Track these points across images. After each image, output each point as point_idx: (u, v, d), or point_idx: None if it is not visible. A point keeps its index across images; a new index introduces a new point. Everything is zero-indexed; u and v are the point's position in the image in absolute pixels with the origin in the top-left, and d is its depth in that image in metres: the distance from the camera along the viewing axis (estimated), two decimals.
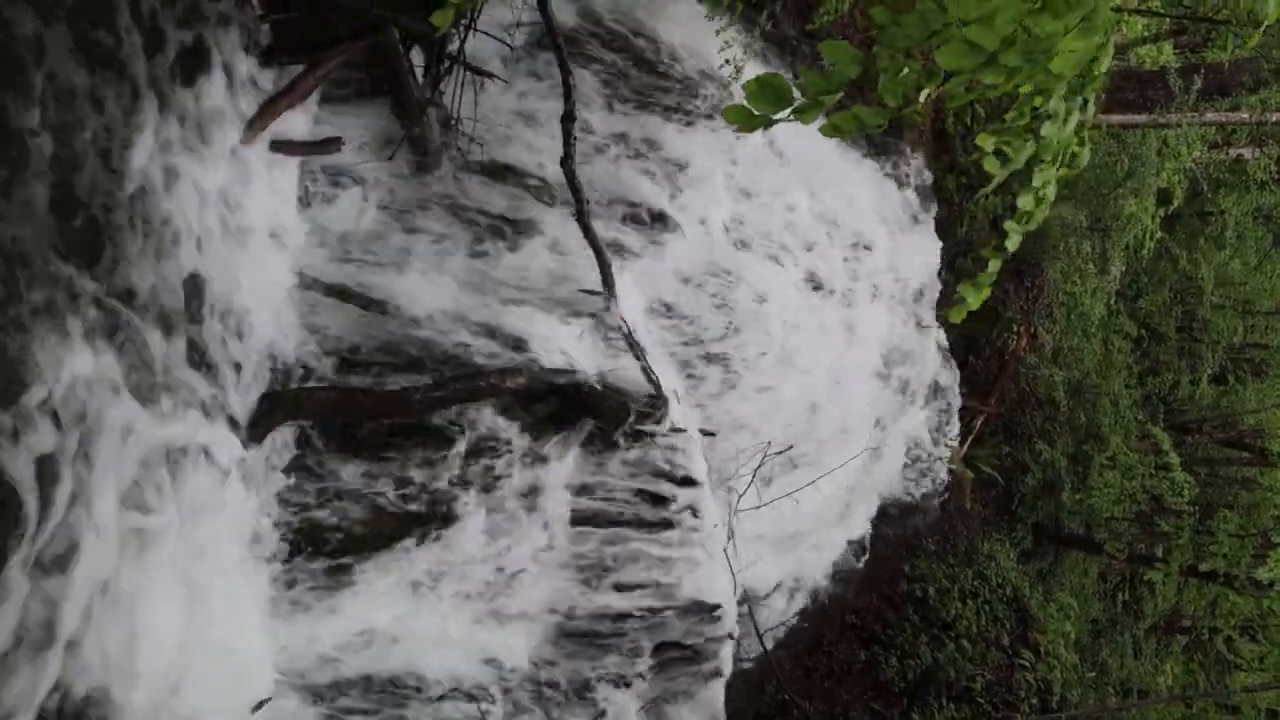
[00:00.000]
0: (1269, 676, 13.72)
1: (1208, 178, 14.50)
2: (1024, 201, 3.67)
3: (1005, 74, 2.70)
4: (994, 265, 3.82)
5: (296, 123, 4.79)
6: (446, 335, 5.21)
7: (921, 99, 2.94)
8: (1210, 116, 12.77)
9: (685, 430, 6.35)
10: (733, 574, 6.68)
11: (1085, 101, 3.56)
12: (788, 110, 2.78)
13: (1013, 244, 3.75)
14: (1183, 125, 12.66)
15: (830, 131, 3.01)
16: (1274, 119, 12.63)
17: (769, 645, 8.43)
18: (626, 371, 5.85)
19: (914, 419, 11.19)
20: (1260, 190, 15.01)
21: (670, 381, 6.30)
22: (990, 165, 3.45)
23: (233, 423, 4.34)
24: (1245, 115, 12.89)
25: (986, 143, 3.35)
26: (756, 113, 2.79)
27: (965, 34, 2.56)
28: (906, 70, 2.82)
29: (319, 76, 4.72)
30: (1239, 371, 17.67)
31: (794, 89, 2.76)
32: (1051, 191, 3.69)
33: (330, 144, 4.92)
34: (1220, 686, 13.46)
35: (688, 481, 6.34)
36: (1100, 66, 3.27)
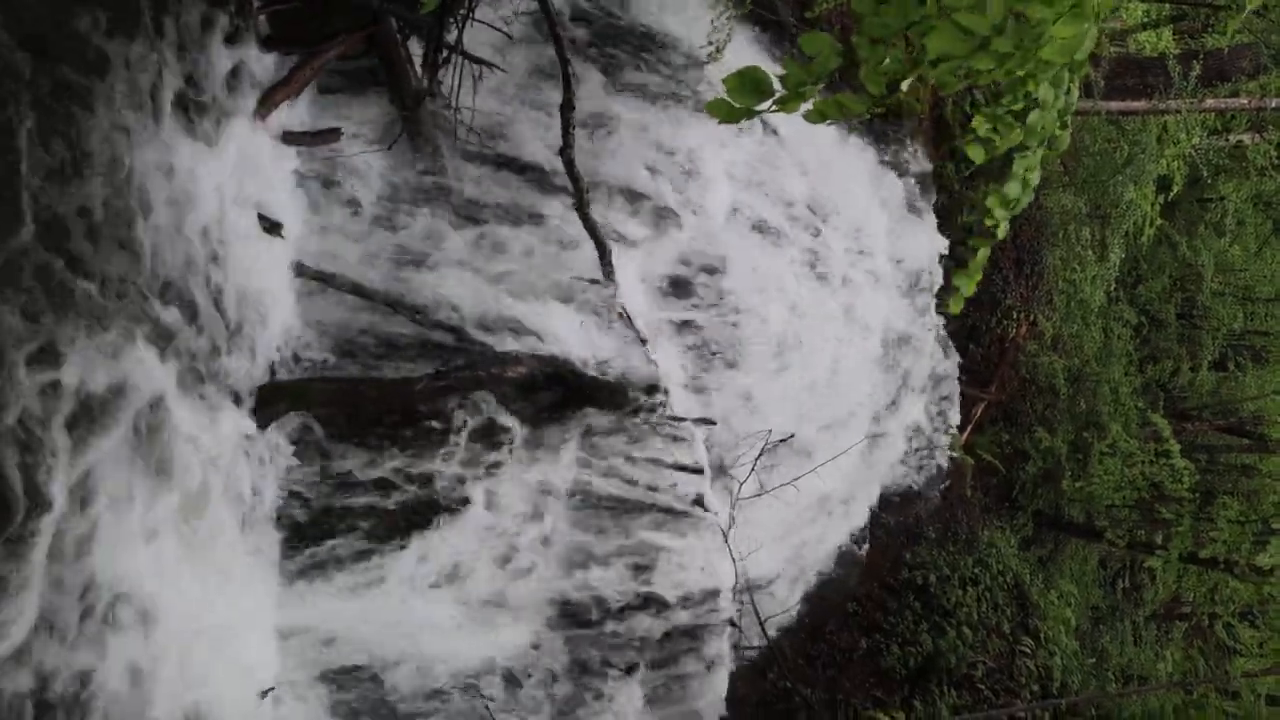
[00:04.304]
0: (1269, 662, 13.76)
1: (1207, 164, 14.49)
2: (1011, 188, 3.69)
3: (996, 60, 2.72)
4: (983, 253, 3.85)
5: (295, 113, 4.79)
6: (446, 324, 5.22)
7: (904, 86, 2.97)
8: (1210, 103, 12.74)
9: (685, 418, 6.36)
10: (734, 562, 6.69)
11: (1069, 88, 3.58)
12: (769, 102, 2.81)
13: (1001, 231, 3.77)
14: (1182, 112, 12.65)
15: (815, 118, 3.04)
16: (1273, 105, 12.60)
17: (771, 633, 8.45)
18: (627, 360, 5.86)
19: (915, 406, 11.20)
20: (1260, 176, 15.00)
21: (670, 369, 6.31)
22: (974, 152, 3.48)
23: (237, 413, 4.35)
24: (1245, 101, 12.87)
25: (981, 126, 3.37)
26: (737, 105, 2.82)
27: (957, 19, 2.58)
28: (888, 60, 2.85)
29: (317, 67, 4.72)
30: (1239, 358, 17.70)
31: (775, 80, 2.78)
32: (1036, 176, 3.72)
33: (329, 134, 4.93)
34: (1220, 672, 13.49)
35: (688, 469, 6.35)
36: (1085, 52, 3.29)
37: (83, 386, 3.31)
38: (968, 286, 3.80)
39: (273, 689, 4.73)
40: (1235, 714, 11.61)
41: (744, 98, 2.80)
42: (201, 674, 4.08)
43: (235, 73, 4.36)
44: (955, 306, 3.91)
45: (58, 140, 3.19)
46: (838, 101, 2.93)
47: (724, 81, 2.82)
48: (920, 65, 2.86)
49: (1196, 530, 14.25)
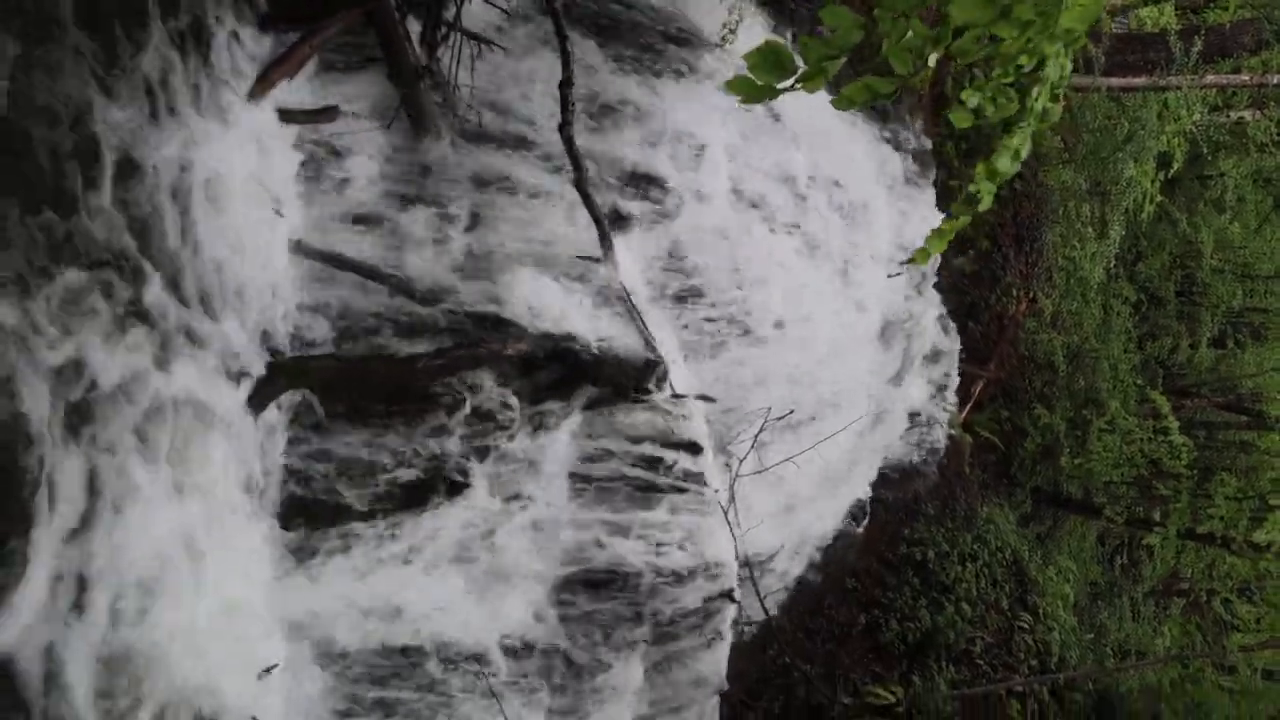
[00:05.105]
0: (1265, 637, 13.86)
1: (1208, 141, 14.45)
2: (1001, 163, 3.67)
3: (1018, 27, 2.69)
4: (963, 219, 3.83)
5: (293, 91, 4.77)
6: (446, 302, 5.22)
7: (932, 62, 2.93)
8: (1211, 79, 12.70)
9: (685, 395, 6.37)
10: (734, 538, 6.72)
11: (1063, 60, 3.57)
12: (791, 80, 2.75)
13: (985, 203, 3.75)
14: (1183, 88, 12.62)
15: (843, 104, 2.98)
16: (1275, 81, 12.57)
17: (770, 609, 8.50)
18: (626, 337, 5.87)
19: (914, 383, 11.21)
20: (1260, 153, 14.99)
21: (670, 347, 6.32)
22: (959, 118, 3.43)
23: (236, 390, 4.36)
24: (1246, 77, 12.83)
25: (971, 99, 3.33)
26: (760, 83, 2.76)
27: None
28: (911, 34, 2.80)
29: (315, 44, 4.71)
30: (1238, 335, 17.72)
31: (796, 57, 2.73)
32: (1026, 150, 3.70)
33: (328, 112, 4.91)
34: (1217, 647, 13.58)
35: (688, 447, 6.37)
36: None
37: (81, 373, 3.33)
38: (936, 245, 3.79)
39: (276, 666, 4.75)
40: (1232, 688, 11.72)
41: (766, 75, 2.73)
42: (202, 653, 4.10)
43: (233, 50, 4.35)
44: (920, 260, 3.91)
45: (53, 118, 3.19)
46: (866, 85, 2.86)
47: (745, 58, 2.75)
48: (944, 39, 2.82)
49: (1194, 507, 14.33)
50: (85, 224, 3.33)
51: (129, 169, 3.59)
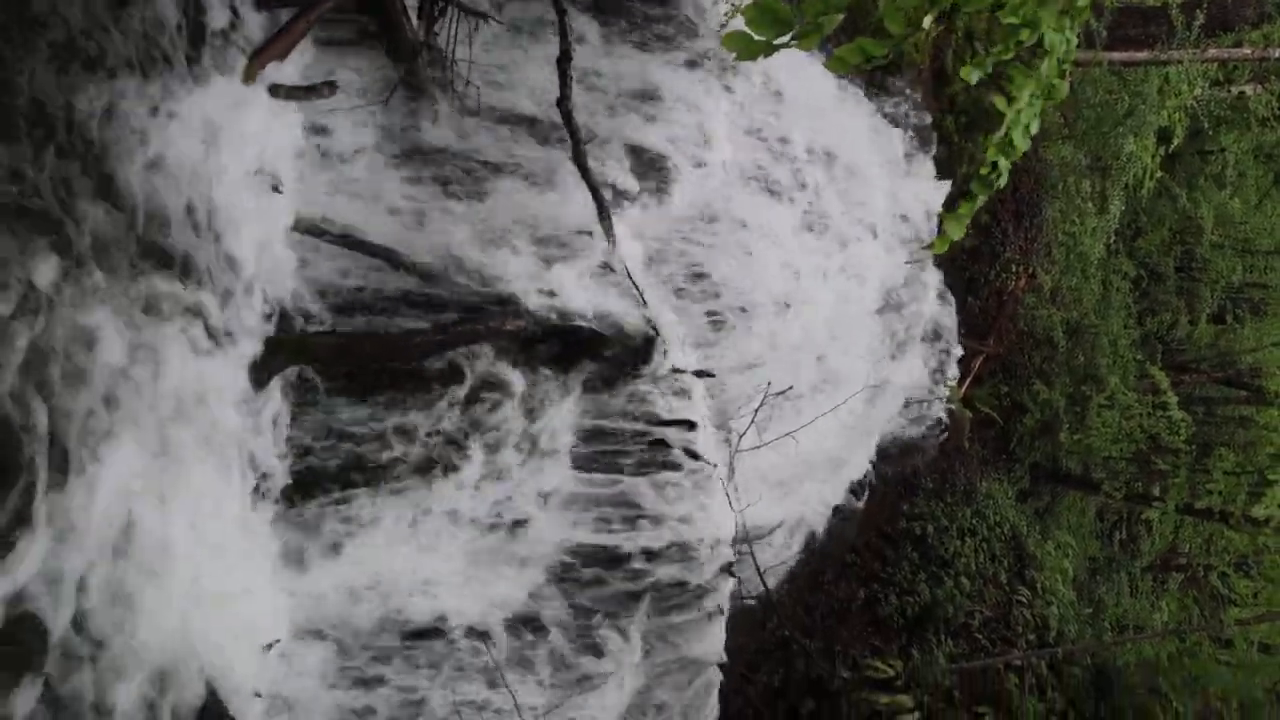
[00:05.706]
0: (1262, 610, 13.91)
1: (1209, 115, 14.38)
2: (1017, 139, 3.66)
3: None
4: (980, 199, 3.82)
5: (291, 67, 4.76)
6: (445, 278, 5.22)
7: (927, 24, 2.90)
8: (1212, 53, 12.64)
9: (685, 371, 6.37)
10: (734, 513, 6.74)
11: (1068, 35, 3.56)
12: (788, 36, 2.71)
13: (1003, 180, 3.74)
14: (1184, 62, 12.55)
15: (837, 65, 2.95)
16: (1277, 55, 12.50)
17: (769, 583, 8.53)
18: (625, 313, 5.87)
19: (913, 359, 11.21)
20: (1261, 128, 14.92)
21: (669, 322, 6.31)
22: (1002, 104, 3.43)
23: (237, 369, 4.37)
24: (1248, 51, 12.77)
25: (970, 75, 3.32)
26: (757, 37, 2.72)
27: None
28: None
29: (312, 19, 4.68)
30: (1237, 311, 17.71)
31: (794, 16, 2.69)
32: (1037, 125, 3.69)
33: (325, 88, 4.89)
34: (1214, 621, 13.64)
35: (688, 423, 6.38)
36: None
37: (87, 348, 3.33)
38: (955, 229, 3.77)
39: (278, 641, 4.78)
40: (1229, 662, 11.77)
41: (763, 29, 2.68)
42: (206, 629, 4.12)
43: (229, 26, 4.33)
44: (940, 246, 3.89)
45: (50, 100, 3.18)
46: (860, 46, 2.83)
47: (742, 12, 2.71)
48: (940, 1, 2.78)
49: (1193, 482, 14.38)
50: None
51: (114, 139, 3.58)
